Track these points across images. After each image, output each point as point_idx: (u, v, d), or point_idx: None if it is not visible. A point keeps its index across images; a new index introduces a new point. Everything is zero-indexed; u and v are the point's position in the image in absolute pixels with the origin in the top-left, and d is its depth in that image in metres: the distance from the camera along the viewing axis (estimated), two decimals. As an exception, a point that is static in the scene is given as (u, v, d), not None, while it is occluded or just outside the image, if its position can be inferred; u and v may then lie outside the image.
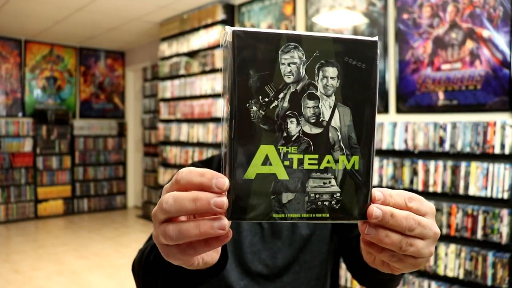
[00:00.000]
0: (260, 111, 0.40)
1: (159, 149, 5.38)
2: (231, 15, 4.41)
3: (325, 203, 0.41)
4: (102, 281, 3.75)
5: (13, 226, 5.76)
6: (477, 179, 2.49)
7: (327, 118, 0.41)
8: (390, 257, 0.44)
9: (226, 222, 0.39)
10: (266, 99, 0.40)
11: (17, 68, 6.21)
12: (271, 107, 0.40)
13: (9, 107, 6.14)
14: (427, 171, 2.70)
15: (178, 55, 4.99)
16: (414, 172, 2.75)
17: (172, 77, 5.11)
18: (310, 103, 0.41)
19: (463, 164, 2.55)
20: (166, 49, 5.18)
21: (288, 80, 0.41)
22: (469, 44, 2.61)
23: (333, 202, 0.42)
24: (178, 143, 5.02)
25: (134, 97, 7.36)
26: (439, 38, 2.75)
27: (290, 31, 0.41)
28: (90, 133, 6.78)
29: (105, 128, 6.97)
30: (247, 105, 0.40)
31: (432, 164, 2.68)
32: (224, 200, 0.38)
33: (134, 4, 4.56)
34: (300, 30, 0.50)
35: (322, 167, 0.41)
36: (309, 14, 3.60)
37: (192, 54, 4.81)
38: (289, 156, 0.41)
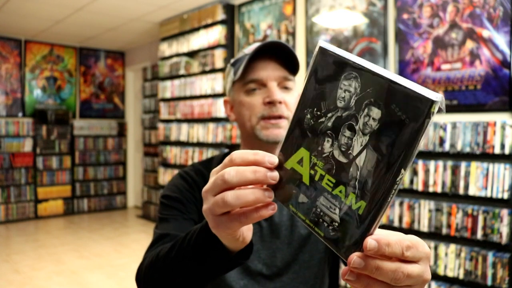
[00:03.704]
0: (311, 121, 0.45)
1: (159, 149, 5.38)
2: (231, 15, 4.41)
3: (324, 223, 0.44)
4: (102, 281, 3.75)
5: (13, 226, 5.76)
6: (477, 179, 2.49)
7: (354, 154, 0.41)
8: None
9: (273, 193, 0.45)
10: (318, 113, 0.44)
11: (17, 68, 6.21)
12: (319, 121, 0.44)
13: (9, 107, 6.15)
14: (427, 171, 2.70)
15: (178, 55, 4.99)
16: (414, 172, 2.75)
17: (172, 77, 5.11)
18: (347, 133, 0.42)
19: (463, 164, 2.55)
20: (166, 49, 5.18)
21: (339, 104, 0.43)
22: (469, 44, 2.61)
23: (330, 228, 0.43)
24: (178, 143, 5.03)
25: (134, 97, 7.36)
26: (439, 38, 2.75)
27: (357, 60, 0.41)
28: (90, 133, 6.78)
29: (105, 128, 6.97)
30: (305, 111, 0.45)
31: (432, 164, 2.67)
32: (277, 174, 0.45)
33: (134, 4, 4.56)
34: (368, 62, 0.47)
35: (334, 192, 0.43)
36: (309, 14, 3.60)
37: (192, 54, 4.81)
38: (316, 168, 0.45)
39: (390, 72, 0.40)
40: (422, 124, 0.37)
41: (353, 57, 0.42)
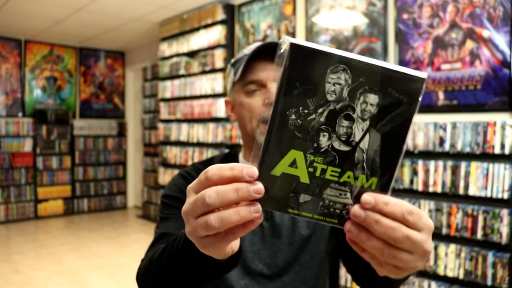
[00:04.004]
0: (298, 120, 0.43)
1: (159, 149, 5.38)
2: (231, 15, 4.41)
3: (336, 211, 0.45)
4: (102, 281, 3.75)
5: (13, 226, 5.76)
6: (477, 179, 2.49)
7: (357, 139, 0.44)
8: (370, 259, 0.45)
9: (260, 206, 0.42)
10: (306, 111, 0.43)
11: (17, 68, 6.21)
12: (308, 118, 0.43)
13: (9, 107, 6.15)
14: (427, 171, 2.70)
15: (178, 55, 4.99)
16: (414, 172, 2.75)
17: (172, 77, 5.11)
18: (345, 123, 0.43)
19: (463, 164, 2.55)
20: (166, 49, 5.18)
21: (329, 98, 0.43)
22: (469, 44, 2.61)
23: (344, 212, 0.45)
24: (178, 143, 5.03)
25: (134, 97, 7.36)
26: (439, 38, 2.75)
27: (343, 53, 0.42)
28: (90, 133, 6.78)
29: (105, 128, 6.97)
30: (287, 112, 0.43)
31: (432, 164, 2.68)
32: (261, 186, 0.42)
33: (134, 4, 4.56)
34: (352, 53, 0.49)
35: (341, 180, 0.45)
36: (309, 14, 3.60)
37: (192, 54, 4.81)
38: (315, 164, 0.44)
39: (375, 60, 0.43)
40: (417, 99, 0.43)
41: (333, 50, 0.42)
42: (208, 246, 0.45)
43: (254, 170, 0.42)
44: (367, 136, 0.44)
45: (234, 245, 0.52)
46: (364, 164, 0.45)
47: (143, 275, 0.74)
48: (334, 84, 0.42)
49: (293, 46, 0.41)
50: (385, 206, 0.42)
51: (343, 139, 0.44)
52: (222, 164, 0.43)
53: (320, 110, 0.43)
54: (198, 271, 0.60)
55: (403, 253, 0.42)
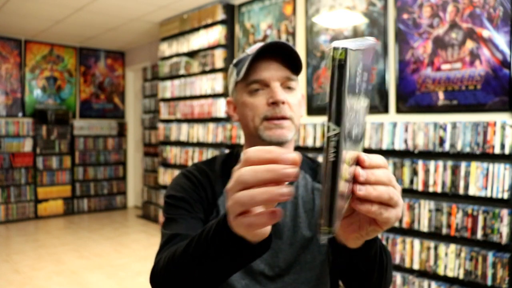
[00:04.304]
0: (349, 125, 0.40)
1: (159, 149, 5.39)
2: (231, 15, 4.41)
3: (349, 186, 0.47)
4: (102, 281, 3.75)
5: (13, 226, 5.76)
6: (477, 179, 2.49)
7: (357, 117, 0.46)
8: (379, 208, 0.50)
9: (287, 189, 0.44)
10: (351, 113, 0.40)
11: (17, 68, 6.21)
12: (351, 118, 0.41)
13: (9, 107, 6.14)
14: (427, 171, 2.70)
15: (178, 55, 4.99)
16: (414, 172, 2.75)
17: (172, 77, 5.11)
18: (356, 106, 0.44)
19: (463, 164, 2.55)
20: (166, 49, 5.18)
21: (357, 90, 0.42)
22: (469, 44, 2.62)
23: (350, 184, 0.47)
24: (178, 143, 5.03)
25: (134, 97, 7.36)
26: (439, 38, 2.76)
27: (361, 43, 0.40)
28: (90, 133, 6.78)
29: (105, 128, 6.97)
30: (346, 125, 0.39)
31: (432, 164, 2.68)
32: (293, 170, 0.43)
33: (134, 4, 4.56)
34: (359, 38, 0.49)
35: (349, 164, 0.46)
36: (309, 14, 3.60)
37: (192, 54, 4.81)
38: (347, 158, 0.43)
39: (366, 37, 0.43)
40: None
41: (357, 42, 0.39)
42: (240, 226, 0.49)
43: (292, 157, 0.44)
44: (360, 110, 0.46)
45: (265, 228, 0.54)
46: (359, 136, 0.47)
47: (163, 273, 0.71)
48: (358, 75, 0.41)
49: (350, 53, 0.36)
50: (373, 160, 0.49)
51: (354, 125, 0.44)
52: (260, 147, 0.46)
53: (354, 106, 0.41)
54: (228, 257, 0.59)
55: (394, 189, 0.51)
